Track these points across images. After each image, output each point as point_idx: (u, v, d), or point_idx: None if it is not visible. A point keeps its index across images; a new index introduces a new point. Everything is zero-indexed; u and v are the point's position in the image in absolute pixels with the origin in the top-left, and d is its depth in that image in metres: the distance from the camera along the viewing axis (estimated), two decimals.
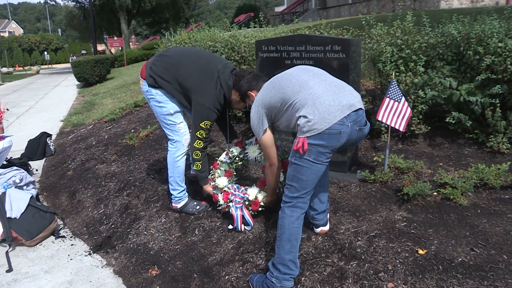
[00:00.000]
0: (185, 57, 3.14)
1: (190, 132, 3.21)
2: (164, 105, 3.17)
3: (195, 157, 3.11)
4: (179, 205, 3.39)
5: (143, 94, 3.31)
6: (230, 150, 3.26)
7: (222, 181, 3.16)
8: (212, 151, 4.45)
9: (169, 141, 3.33)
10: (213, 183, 3.20)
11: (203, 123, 3.00)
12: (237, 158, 3.24)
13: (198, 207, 3.37)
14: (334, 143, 2.21)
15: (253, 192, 3.00)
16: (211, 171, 3.28)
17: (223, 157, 3.27)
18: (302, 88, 2.28)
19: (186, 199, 3.40)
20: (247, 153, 3.19)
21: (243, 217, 2.97)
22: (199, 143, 3.06)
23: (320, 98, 2.22)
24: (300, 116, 2.23)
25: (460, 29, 3.69)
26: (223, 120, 3.44)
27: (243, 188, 3.08)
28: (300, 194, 2.31)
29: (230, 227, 2.99)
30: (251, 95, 2.81)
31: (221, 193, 3.12)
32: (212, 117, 3.03)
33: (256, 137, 2.55)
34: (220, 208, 3.12)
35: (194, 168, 3.23)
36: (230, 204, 3.02)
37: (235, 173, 3.29)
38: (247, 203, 2.98)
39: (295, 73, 2.40)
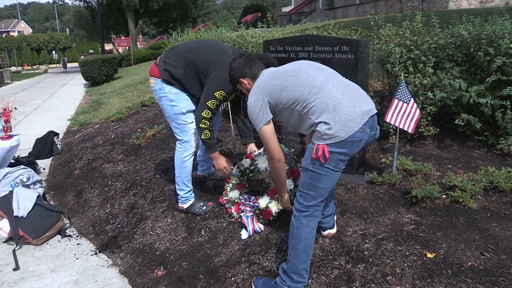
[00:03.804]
0: (198, 43, 3.20)
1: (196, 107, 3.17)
2: (176, 104, 3.16)
3: (203, 126, 3.05)
4: (185, 206, 3.38)
5: (152, 93, 3.31)
6: (241, 163, 3.27)
7: (234, 194, 3.17)
8: (219, 151, 4.43)
9: (177, 141, 3.32)
10: (226, 197, 3.20)
11: (218, 92, 2.97)
12: (247, 170, 3.25)
13: (204, 207, 3.35)
14: (355, 150, 2.15)
15: (263, 201, 2.99)
16: (224, 185, 3.28)
17: (234, 170, 3.28)
18: (320, 90, 2.16)
19: (193, 200, 3.39)
20: (257, 164, 3.20)
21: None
22: (208, 113, 3.02)
23: (340, 103, 2.12)
24: (320, 122, 2.11)
25: (471, 30, 3.65)
26: (238, 102, 3.44)
27: (253, 197, 3.08)
28: (317, 202, 2.23)
29: (244, 237, 2.95)
30: (243, 82, 2.52)
31: (233, 205, 3.12)
32: (228, 88, 2.98)
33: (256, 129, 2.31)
34: (233, 219, 3.11)
35: (202, 137, 3.11)
36: (242, 214, 3.01)
37: (246, 185, 3.29)
38: (258, 211, 2.97)
39: (310, 72, 2.25)
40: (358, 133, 2.10)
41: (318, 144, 2.10)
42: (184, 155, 3.27)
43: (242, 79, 2.50)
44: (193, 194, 3.41)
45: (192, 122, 3.24)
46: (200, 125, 3.05)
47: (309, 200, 2.22)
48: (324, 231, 2.71)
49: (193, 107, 3.21)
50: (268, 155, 2.38)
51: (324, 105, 2.12)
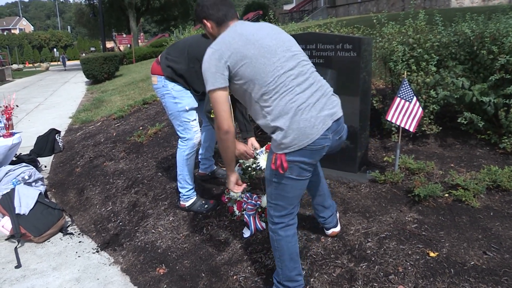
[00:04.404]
0: (199, 37, 3.17)
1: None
2: (180, 101, 3.15)
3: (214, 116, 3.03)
4: (187, 204, 3.37)
5: (154, 91, 3.31)
6: (243, 161, 3.27)
7: (236, 193, 3.16)
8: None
9: (180, 139, 3.31)
10: (228, 196, 3.20)
11: None
12: (249, 169, 3.24)
13: (206, 206, 3.35)
14: (317, 158, 1.99)
15: (265, 200, 2.98)
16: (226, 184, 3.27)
17: (236, 169, 3.28)
18: (287, 90, 1.93)
19: (195, 198, 3.38)
20: (259, 162, 3.19)
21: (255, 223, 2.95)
22: None
23: (302, 108, 1.91)
24: (276, 128, 1.92)
25: (474, 28, 3.63)
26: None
27: (255, 196, 3.07)
28: (289, 211, 2.11)
29: (246, 235, 2.94)
30: (205, 24, 2.20)
31: (235, 204, 3.12)
32: None
33: (207, 90, 1.99)
34: (235, 218, 3.11)
35: (212, 116, 3.05)
36: (244, 212, 3.01)
37: (248, 183, 3.28)
38: (259, 210, 2.97)
39: (283, 61, 1.97)
40: (319, 140, 1.93)
41: (276, 154, 1.95)
42: (186, 153, 3.27)
43: (206, 21, 2.18)
44: (195, 192, 3.40)
45: (195, 119, 3.23)
46: (212, 116, 3.04)
47: (280, 210, 2.10)
48: (328, 230, 2.70)
49: (196, 104, 3.21)
50: (215, 124, 2.04)
51: (283, 108, 1.91)
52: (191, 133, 3.23)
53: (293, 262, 2.17)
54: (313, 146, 1.92)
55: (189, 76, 3.11)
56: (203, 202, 3.37)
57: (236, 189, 2.21)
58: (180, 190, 3.36)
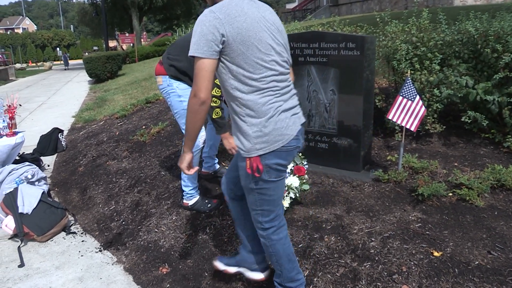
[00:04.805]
0: None
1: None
2: (185, 99, 3.16)
3: (214, 104, 3.01)
4: (190, 202, 3.37)
5: (157, 90, 3.33)
6: None
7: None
8: (224, 148, 4.42)
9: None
10: None
11: None
12: None
13: (209, 205, 3.34)
14: (291, 159, 1.97)
15: None
16: None
17: None
18: (273, 92, 1.87)
19: (198, 197, 3.38)
20: None
21: None
22: (217, 91, 2.99)
23: (281, 109, 1.88)
24: (251, 126, 1.86)
25: (478, 26, 3.61)
26: None
27: None
28: (276, 213, 2.08)
29: None
30: None
31: None
32: None
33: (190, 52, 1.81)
34: None
35: (214, 116, 3.04)
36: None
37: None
38: None
39: (273, 53, 1.87)
40: (293, 141, 1.92)
41: (250, 158, 1.89)
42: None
43: None
44: (198, 191, 3.40)
45: None
46: (212, 104, 3.02)
47: (268, 214, 2.05)
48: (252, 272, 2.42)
49: None
50: (192, 91, 1.81)
51: (264, 108, 1.86)
52: None
53: (291, 262, 2.15)
54: (288, 146, 1.90)
55: (192, 72, 3.11)
56: (206, 201, 3.37)
57: (188, 171, 2.01)
58: (183, 188, 3.36)
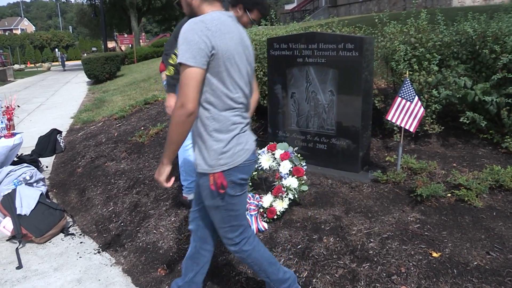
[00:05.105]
0: (182, 22, 3.17)
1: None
2: None
3: (171, 61, 3.01)
4: (189, 197, 3.37)
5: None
6: None
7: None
8: None
9: None
10: None
11: None
12: None
13: None
14: (250, 172, 1.98)
15: (267, 200, 2.98)
16: None
17: None
18: (240, 112, 1.91)
19: None
20: (260, 162, 3.18)
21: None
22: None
23: (245, 127, 1.93)
24: (216, 142, 1.85)
25: (476, 27, 3.62)
26: None
27: (257, 196, 3.06)
28: (244, 227, 2.06)
29: None
30: None
31: None
32: None
33: (179, 62, 1.73)
34: None
35: (167, 73, 3.04)
36: (245, 212, 2.99)
37: (250, 184, 3.28)
38: (261, 210, 2.96)
39: (245, 75, 1.92)
40: (252, 155, 1.95)
41: (214, 174, 1.86)
42: (186, 143, 3.26)
43: None
44: None
45: None
46: (170, 60, 3.02)
47: (237, 228, 2.03)
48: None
49: None
50: (178, 101, 1.73)
51: (233, 126, 1.87)
52: None
53: (273, 265, 2.13)
54: (249, 160, 1.93)
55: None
56: None
57: (167, 184, 1.92)
58: (182, 183, 3.36)
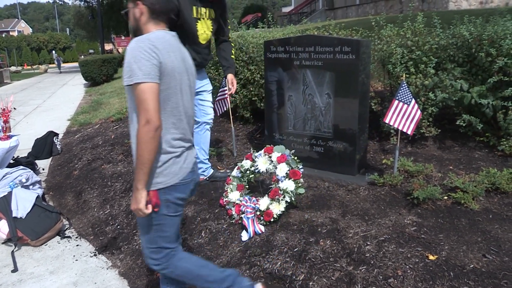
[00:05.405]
0: None
1: None
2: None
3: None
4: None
5: None
6: (241, 164, 3.28)
7: (234, 196, 3.16)
8: (219, 152, 4.42)
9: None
10: (226, 199, 3.19)
11: None
12: (248, 172, 3.24)
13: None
14: (188, 192, 1.98)
15: (264, 203, 2.98)
16: (225, 187, 3.31)
17: (235, 172, 3.28)
18: (182, 132, 1.92)
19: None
20: (257, 165, 3.18)
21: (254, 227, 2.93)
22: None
23: (184, 148, 1.92)
24: (155, 161, 1.81)
25: (472, 31, 3.64)
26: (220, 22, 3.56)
27: (254, 199, 3.07)
28: (171, 250, 2.00)
29: (244, 238, 2.92)
30: (138, 4, 1.91)
31: (233, 207, 3.11)
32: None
33: (133, 81, 1.72)
34: (233, 221, 3.10)
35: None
36: (242, 215, 3.00)
37: (247, 186, 3.28)
38: (258, 213, 2.95)
39: (188, 94, 1.95)
40: (189, 173, 1.94)
41: (148, 192, 1.82)
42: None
43: (140, 2, 1.89)
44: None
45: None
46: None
47: (162, 251, 1.99)
48: None
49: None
50: (142, 119, 1.71)
51: (173, 149, 1.88)
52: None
53: (205, 267, 2.07)
54: (184, 180, 1.92)
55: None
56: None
57: (147, 210, 1.83)
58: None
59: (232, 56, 3.67)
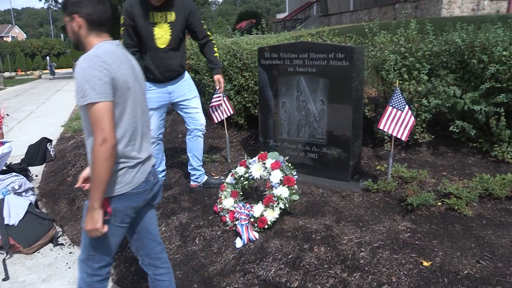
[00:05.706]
0: None
1: None
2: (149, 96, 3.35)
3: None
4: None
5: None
6: (235, 171, 3.28)
7: (228, 202, 3.15)
8: (213, 159, 4.41)
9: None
10: (220, 206, 3.18)
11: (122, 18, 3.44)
12: (242, 178, 3.23)
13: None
14: (141, 202, 1.95)
15: (258, 210, 2.97)
16: (219, 193, 3.31)
17: (229, 178, 3.27)
18: (137, 145, 1.90)
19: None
20: (251, 172, 3.18)
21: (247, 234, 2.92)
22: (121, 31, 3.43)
23: (138, 159, 1.90)
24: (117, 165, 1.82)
25: (464, 38, 3.67)
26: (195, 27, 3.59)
27: (248, 205, 3.06)
28: (108, 262, 1.98)
29: (238, 245, 2.91)
30: (75, 19, 1.81)
31: (228, 214, 3.10)
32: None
33: (86, 101, 1.69)
34: (227, 228, 3.09)
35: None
36: (236, 222, 2.99)
37: (241, 193, 3.27)
38: (252, 220, 2.95)
39: (143, 101, 1.95)
40: (143, 184, 1.91)
41: None
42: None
43: (77, 15, 1.81)
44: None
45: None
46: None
47: (99, 260, 1.94)
48: None
49: (154, 105, 3.49)
50: (98, 138, 1.69)
51: (127, 159, 1.86)
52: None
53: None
54: (138, 189, 1.90)
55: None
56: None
57: (104, 229, 1.80)
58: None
59: (216, 55, 3.63)
